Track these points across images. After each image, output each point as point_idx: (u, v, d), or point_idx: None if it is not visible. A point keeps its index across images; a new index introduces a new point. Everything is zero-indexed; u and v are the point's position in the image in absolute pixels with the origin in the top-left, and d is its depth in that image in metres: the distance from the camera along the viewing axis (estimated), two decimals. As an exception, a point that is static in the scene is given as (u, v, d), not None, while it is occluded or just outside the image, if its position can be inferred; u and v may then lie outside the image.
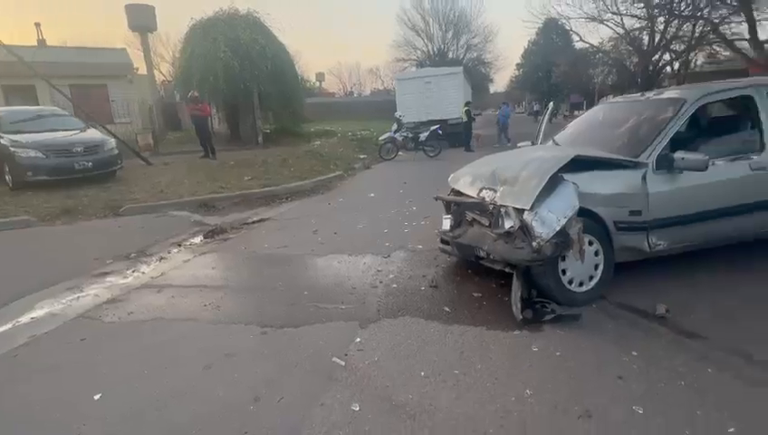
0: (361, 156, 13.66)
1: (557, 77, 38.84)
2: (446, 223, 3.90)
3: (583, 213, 2.98)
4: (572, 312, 2.95)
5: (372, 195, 7.94)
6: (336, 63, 77.79)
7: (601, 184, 3.12)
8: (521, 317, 2.91)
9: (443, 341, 2.81)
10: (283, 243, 5.17)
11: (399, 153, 13.39)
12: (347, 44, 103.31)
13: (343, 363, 2.60)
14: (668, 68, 26.55)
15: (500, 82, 57.46)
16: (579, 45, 31.10)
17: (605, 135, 3.90)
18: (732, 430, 1.91)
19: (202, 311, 3.47)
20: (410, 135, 13.40)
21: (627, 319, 2.94)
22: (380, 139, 13.91)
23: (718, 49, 22.80)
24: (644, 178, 3.11)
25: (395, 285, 3.72)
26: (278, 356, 2.75)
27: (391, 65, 43.61)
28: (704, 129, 3.96)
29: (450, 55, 41.31)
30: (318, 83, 48.61)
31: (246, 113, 16.04)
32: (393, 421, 2.10)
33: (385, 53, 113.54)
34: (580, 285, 3.11)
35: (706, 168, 3.03)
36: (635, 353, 2.52)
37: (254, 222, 6.35)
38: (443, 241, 3.92)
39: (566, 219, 2.82)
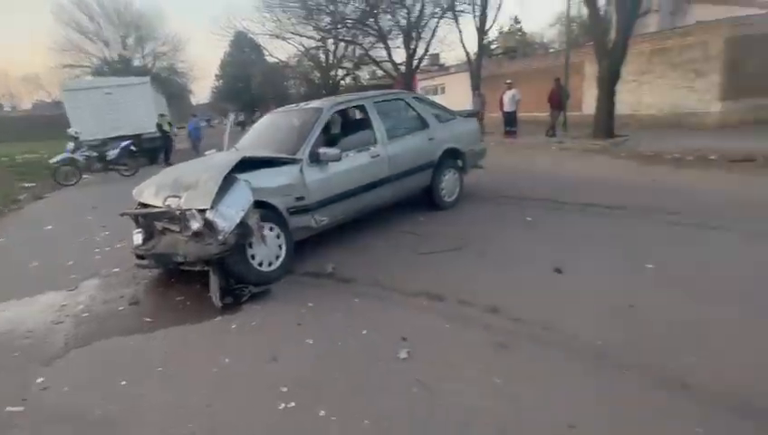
0: (28, 184, 11.00)
1: (256, 88, 40.83)
2: (138, 237, 3.84)
3: (261, 205, 3.55)
4: (264, 288, 3.50)
5: (50, 227, 6.66)
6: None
7: (271, 179, 3.76)
8: (220, 304, 3.25)
9: (145, 348, 2.86)
10: None
11: (85, 176, 11.46)
12: (-19, 43, 77.73)
13: (22, 408, 2.33)
14: (343, 82, 31.95)
15: (202, 92, 55.76)
16: (271, 59, 33.58)
17: (275, 138, 4.64)
18: (365, 331, 2.80)
19: None
20: (95, 154, 11.61)
21: (307, 282, 3.71)
22: (52, 162, 11.48)
23: (374, 68, 29.19)
24: (301, 170, 3.94)
25: (86, 314, 3.43)
26: None
27: (58, 73, 35.64)
28: (346, 129, 5.20)
29: (136, 63, 37.25)
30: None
31: None
32: (90, 435, 2.09)
33: (46, 57, 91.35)
34: (270, 265, 3.69)
35: (340, 159, 4.10)
36: (311, 304, 3.25)
37: None
38: (138, 256, 3.84)
39: (244, 212, 3.31)
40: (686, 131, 10.81)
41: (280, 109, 5.40)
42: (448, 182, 5.43)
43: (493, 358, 2.40)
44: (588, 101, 13.50)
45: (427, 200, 5.41)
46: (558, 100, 12.56)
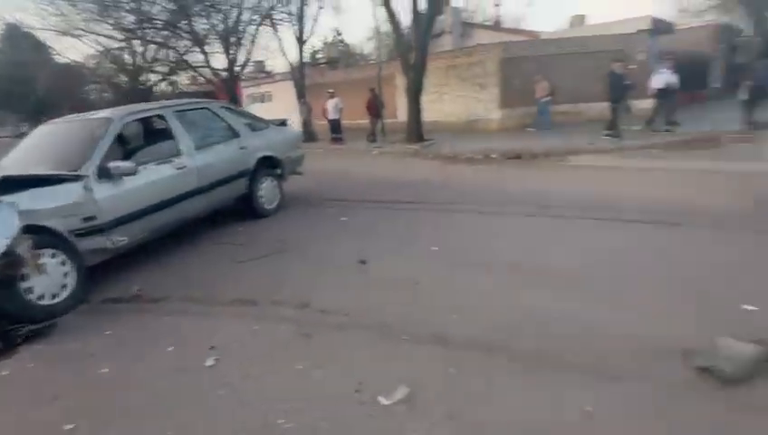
0: None
1: (43, 92, 33.90)
2: None
3: (35, 229, 3.10)
4: (48, 323, 3.06)
5: None
6: None
7: (46, 199, 3.28)
8: (-16, 352, 2.74)
9: None
10: None
11: None
12: None
13: None
14: (157, 87, 28.83)
15: (-39, 97, 43.32)
16: (62, 60, 28.22)
17: (54, 152, 4.05)
18: (171, 348, 2.71)
19: None
20: None
21: (107, 309, 3.38)
22: None
23: (195, 73, 27.09)
24: (87, 187, 3.53)
25: None
26: None
27: None
28: (146, 140, 4.81)
29: None
30: None
31: None
32: None
33: None
34: (54, 297, 3.23)
35: (136, 172, 3.81)
36: (108, 332, 2.98)
37: None
38: None
39: (9, 240, 2.84)
40: (478, 135, 12.94)
41: (60, 119, 4.70)
42: (267, 190, 5.50)
43: (297, 349, 2.59)
44: (401, 109, 15.02)
45: (247, 209, 5.38)
46: (375, 108, 13.69)
